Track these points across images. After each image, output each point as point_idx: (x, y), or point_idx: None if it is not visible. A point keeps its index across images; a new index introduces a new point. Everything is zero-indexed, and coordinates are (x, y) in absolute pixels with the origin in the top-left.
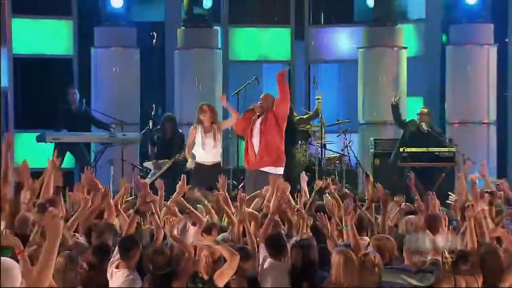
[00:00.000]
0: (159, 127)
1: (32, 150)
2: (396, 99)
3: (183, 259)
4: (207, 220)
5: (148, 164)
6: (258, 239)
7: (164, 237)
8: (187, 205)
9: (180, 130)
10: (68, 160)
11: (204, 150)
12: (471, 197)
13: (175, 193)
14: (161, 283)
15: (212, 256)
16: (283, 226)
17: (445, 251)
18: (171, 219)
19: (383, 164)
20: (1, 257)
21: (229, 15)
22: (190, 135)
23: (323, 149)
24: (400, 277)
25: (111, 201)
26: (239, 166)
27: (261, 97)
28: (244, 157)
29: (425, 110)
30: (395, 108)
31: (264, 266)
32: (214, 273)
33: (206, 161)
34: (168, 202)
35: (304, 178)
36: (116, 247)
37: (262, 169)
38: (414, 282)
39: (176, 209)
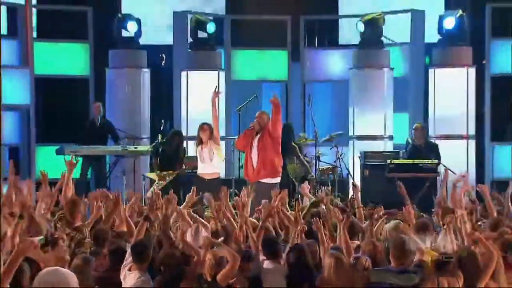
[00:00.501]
0: (165, 140)
1: (52, 162)
2: None
3: (191, 262)
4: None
5: (150, 175)
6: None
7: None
8: (193, 214)
9: (184, 146)
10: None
11: (203, 163)
12: (451, 203)
13: (185, 202)
14: (171, 283)
15: (215, 259)
16: (280, 232)
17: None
18: (181, 225)
19: (371, 174)
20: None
21: (231, 39)
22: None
23: (317, 161)
24: (386, 278)
25: (122, 209)
26: (241, 177)
27: (256, 115)
28: (244, 170)
29: (420, 125)
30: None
31: (264, 267)
32: (217, 275)
33: (205, 173)
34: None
35: (305, 187)
36: (128, 251)
37: (260, 180)
38: (399, 282)
39: (187, 216)
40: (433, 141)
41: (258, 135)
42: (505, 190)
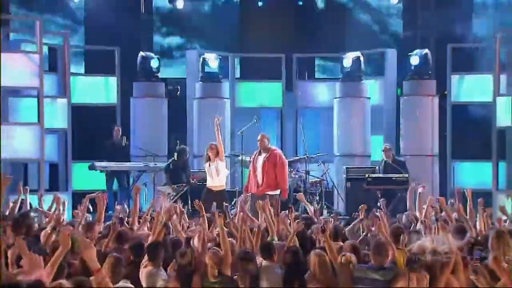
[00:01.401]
0: (175, 158)
1: (86, 176)
2: None
3: (200, 261)
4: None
5: (162, 188)
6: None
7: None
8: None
9: (188, 162)
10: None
11: (212, 178)
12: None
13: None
14: (184, 277)
15: (215, 261)
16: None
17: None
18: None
19: (352, 186)
20: None
21: (235, 73)
22: None
23: (307, 175)
24: (366, 273)
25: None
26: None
27: (258, 138)
28: (247, 185)
29: (387, 147)
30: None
31: (261, 265)
32: (218, 276)
33: (212, 186)
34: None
35: (302, 196)
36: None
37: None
38: (377, 276)
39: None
40: (401, 158)
41: (263, 156)
42: (465, 199)
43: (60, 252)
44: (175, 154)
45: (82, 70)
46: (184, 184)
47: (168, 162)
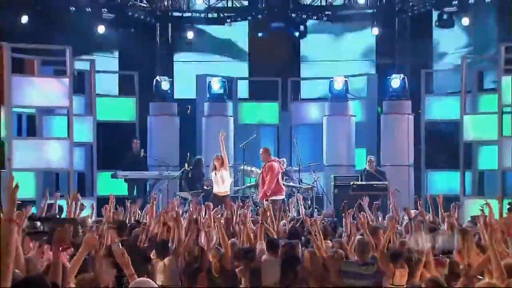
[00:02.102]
0: (191, 166)
1: (109, 183)
2: None
3: (205, 258)
4: None
5: (182, 194)
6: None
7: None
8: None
9: (203, 171)
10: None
11: (218, 185)
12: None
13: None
14: (191, 273)
15: (217, 258)
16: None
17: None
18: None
19: (340, 192)
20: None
21: (238, 94)
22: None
23: (300, 182)
24: (353, 267)
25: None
26: (244, 194)
27: (260, 151)
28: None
29: (371, 159)
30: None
31: (262, 259)
32: (221, 272)
33: (218, 192)
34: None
35: (300, 197)
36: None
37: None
38: (360, 271)
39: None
40: (382, 169)
41: (263, 167)
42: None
43: (82, 254)
44: (193, 164)
45: (107, 91)
46: (200, 191)
47: (187, 171)
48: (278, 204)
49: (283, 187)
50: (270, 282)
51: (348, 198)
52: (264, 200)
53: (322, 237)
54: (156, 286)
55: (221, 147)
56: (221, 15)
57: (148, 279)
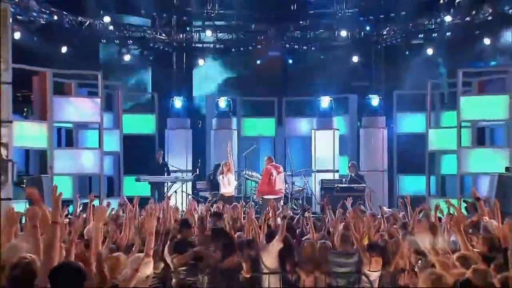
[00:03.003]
0: (212, 170)
1: (133, 186)
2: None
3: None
4: None
5: (204, 194)
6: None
7: None
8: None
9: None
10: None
11: (224, 186)
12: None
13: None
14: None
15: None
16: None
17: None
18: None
19: (326, 193)
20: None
21: (241, 111)
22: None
23: (292, 185)
24: (338, 257)
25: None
26: (247, 194)
27: (265, 159)
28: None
29: (353, 163)
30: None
31: (261, 245)
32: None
33: (225, 193)
34: None
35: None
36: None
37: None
38: (343, 260)
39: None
40: (361, 173)
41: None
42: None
43: (96, 224)
44: (213, 169)
45: (130, 110)
46: (217, 192)
47: (209, 175)
48: (270, 202)
49: (276, 189)
50: (268, 264)
51: (333, 198)
52: (258, 197)
53: (314, 231)
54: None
55: (229, 156)
56: (227, 45)
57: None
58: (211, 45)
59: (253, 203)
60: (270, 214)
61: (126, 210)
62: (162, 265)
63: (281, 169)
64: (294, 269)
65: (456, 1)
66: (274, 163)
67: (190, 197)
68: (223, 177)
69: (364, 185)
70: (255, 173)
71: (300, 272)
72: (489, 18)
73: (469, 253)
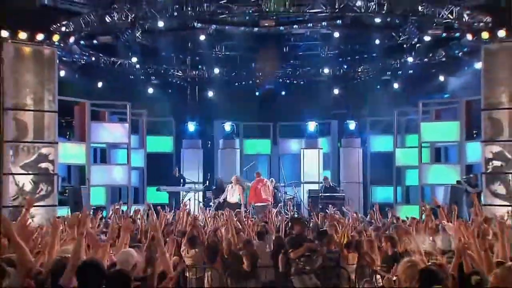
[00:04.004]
0: (217, 184)
1: (154, 194)
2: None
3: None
4: None
5: (212, 202)
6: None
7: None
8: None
9: (223, 187)
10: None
11: (230, 195)
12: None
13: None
14: (211, 254)
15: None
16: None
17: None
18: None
19: (312, 201)
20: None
21: (242, 133)
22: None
23: (285, 194)
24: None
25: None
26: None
27: (256, 172)
28: (252, 199)
29: (326, 177)
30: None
31: (254, 244)
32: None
33: (230, 200)
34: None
35: (289, 203)
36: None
37: (260, 204)
38: (327, 255)
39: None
40: (334, 184)
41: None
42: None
43: (124, 237)
44: (218, 183)
45: (152, 132)
46: (221, 200)
47: (215, 187)
48: (260, 208)
49: (262, 198)
50: (263, 259)
51: (318, 204)
52: (249, 204)
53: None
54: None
55: (239, 189)
56: (231, 80)
57: (131, 250)
58: (218, 80)
59: (251, 209)
60: (270, 216)
61: (149, 214)
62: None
63: (266, 181)
64: (287, 264)
65: (417, 46)
66: (260, 177)
67: (200, 204)
68: (231, 187)
69: (343, 194)
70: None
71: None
72: (443, 59)
73: (431, 250)
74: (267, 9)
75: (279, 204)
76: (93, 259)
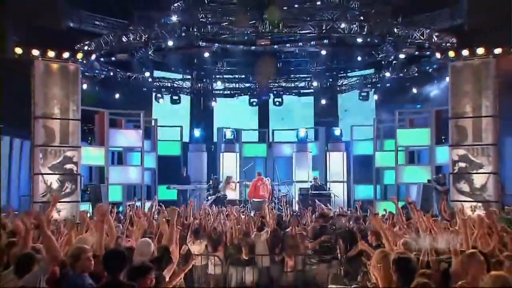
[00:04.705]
0: (215, 184)
1: (164, 192)
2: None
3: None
4: None
5: (209, 197)
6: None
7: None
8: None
9: (220, 186)
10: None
11: (232, 192)
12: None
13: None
14: (214, 243)
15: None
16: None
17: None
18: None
19: (302, 198)
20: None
21: (242, 139)
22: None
23: (279, 191)
24: (311, 245)
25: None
26: (245, 198)
27: (257, 172)
28: (252, 194)
29: (315, 177)
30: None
31: (253, 235)
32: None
33: (231, 198)
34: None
35: (283, 200)
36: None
37: (257, 199)
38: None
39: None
40: (322, 183)
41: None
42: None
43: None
44: (217, 181)
45: (165, 138)
46: (218, 195)
47: (209, 186)
48: (257, 203)
49: (260, 194)
50: (259, 249)
51: (307, 201)
52: (249, 199)
53: (295, 224)
54: (153, 246)
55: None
56: (232, 92)
57: (149, 240)
58: (221, 92)
59: (249, 205)
60: (266, 211)
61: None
62: (186, 248)
63: (265, 181)
64: (281, 252)
65: (393, 62)
66: (260, 176)
67: (204, 201)
68: (234, 186)
69: (330, 192)
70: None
71: (285, 255)
72: (416, 74)
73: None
74: (263, 30)
75: (274, 201)
76: (118, 249)
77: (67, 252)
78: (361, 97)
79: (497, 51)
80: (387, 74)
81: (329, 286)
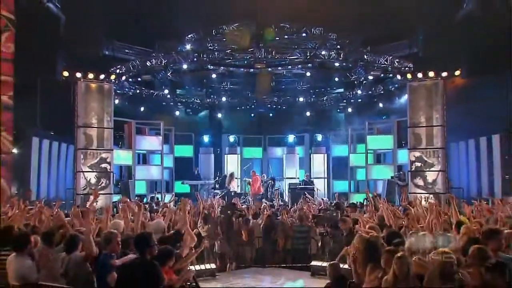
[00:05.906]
0: (222, 179)
1: (180, 187)
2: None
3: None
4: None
5: (217, 191)
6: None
7: None
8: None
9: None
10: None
11: (233, 188)
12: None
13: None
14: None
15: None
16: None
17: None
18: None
19: (292, 192)
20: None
21: (242, 143)
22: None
23: (273, 186)
24: (298, 227)
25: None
26: (246, 191)
27: (251, 172)
28: (255, 190)
29: (307, 174)
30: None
31: (250, 223)
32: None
33: (235, 191)
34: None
35: (276, 193)
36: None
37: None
38: (300, 229)
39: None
40: (312, 179)
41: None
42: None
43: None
44: (223, 177)
45: (179, 142)
46: (224, 190)
47: (215, 182)
48: (255, 197)
49: (259, 189)
50: (257, 232)
51: (296, 195)
52: (252, 195)
53: (285, 213)
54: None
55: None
56: (234, 105)
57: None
58: (225, 105)
59: (249, 198)
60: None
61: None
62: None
63: (258, 177)
64: (274, 235)
65: (363, 82)
66: (256, 175)
67: (211, 195)
68: (230, 182)
69: (314, 186)
70: (249, 179)
71: (278, 238)
72: (382, 92)
73: (373, 225)
74: (259, 56)
75: (268, 193)
76: (145, 233)
77: (101, 235)
78: (338, 110)
79: (444, 74)
80: (359, 92)
81: (311, 263)
